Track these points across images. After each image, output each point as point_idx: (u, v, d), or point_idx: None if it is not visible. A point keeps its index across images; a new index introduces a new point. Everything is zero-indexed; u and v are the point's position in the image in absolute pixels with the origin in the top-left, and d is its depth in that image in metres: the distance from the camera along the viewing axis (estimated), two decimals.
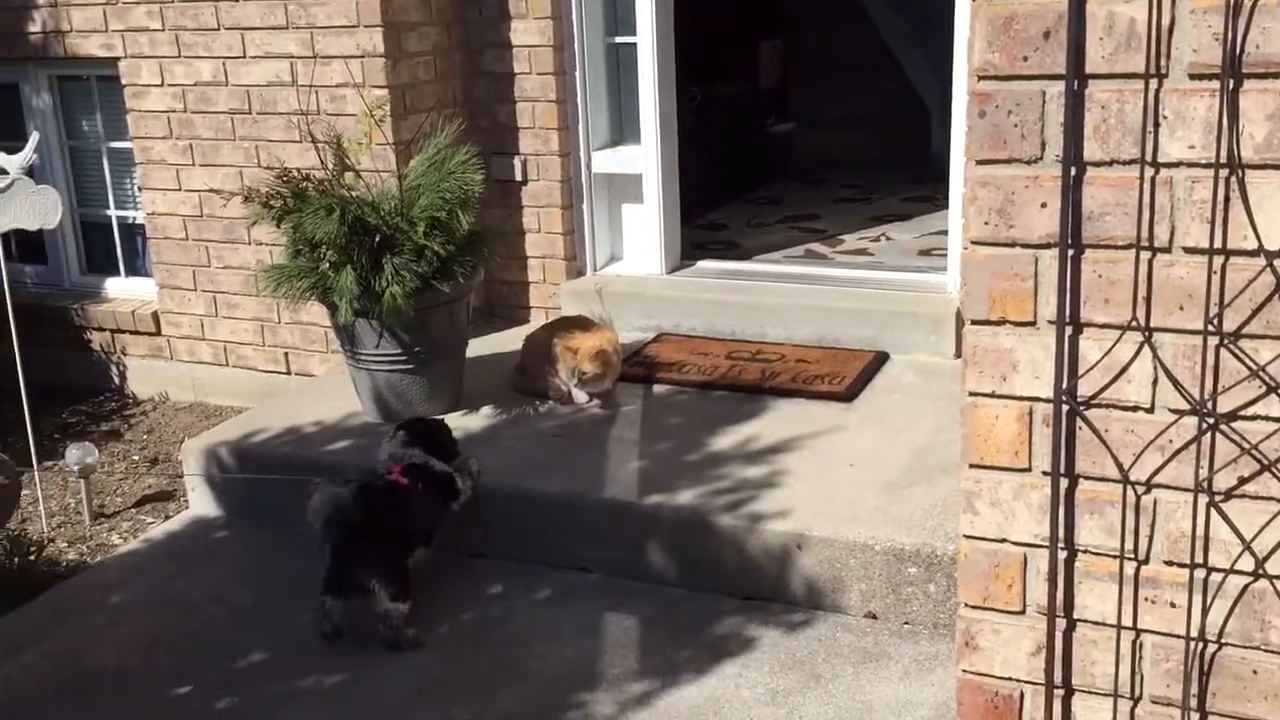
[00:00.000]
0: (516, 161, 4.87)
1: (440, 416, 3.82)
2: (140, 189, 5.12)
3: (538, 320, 4.97)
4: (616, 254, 5.11)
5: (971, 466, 1.85)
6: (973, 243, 1.74)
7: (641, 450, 3.73)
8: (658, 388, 4.24)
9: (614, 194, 5.03)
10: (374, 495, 3.22)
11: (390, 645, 3.11)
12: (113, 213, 5.48)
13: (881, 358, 4.35)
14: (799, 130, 7.40)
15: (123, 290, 5.49)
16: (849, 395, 4.04)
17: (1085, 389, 1.75)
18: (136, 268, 5.50)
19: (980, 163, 1.71)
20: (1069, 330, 1.73)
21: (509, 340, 4.64)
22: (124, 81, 4.96)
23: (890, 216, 6.08)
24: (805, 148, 7.42)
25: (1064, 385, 1.72)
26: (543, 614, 3.26)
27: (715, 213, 6.27)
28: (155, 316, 5.23)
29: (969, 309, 1.78)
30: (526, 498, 3.52)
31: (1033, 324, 1.75)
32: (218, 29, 4.68)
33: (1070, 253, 1.71)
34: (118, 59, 4.94)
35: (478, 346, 4.48)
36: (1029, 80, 1.67)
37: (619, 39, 4.88)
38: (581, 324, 4.23)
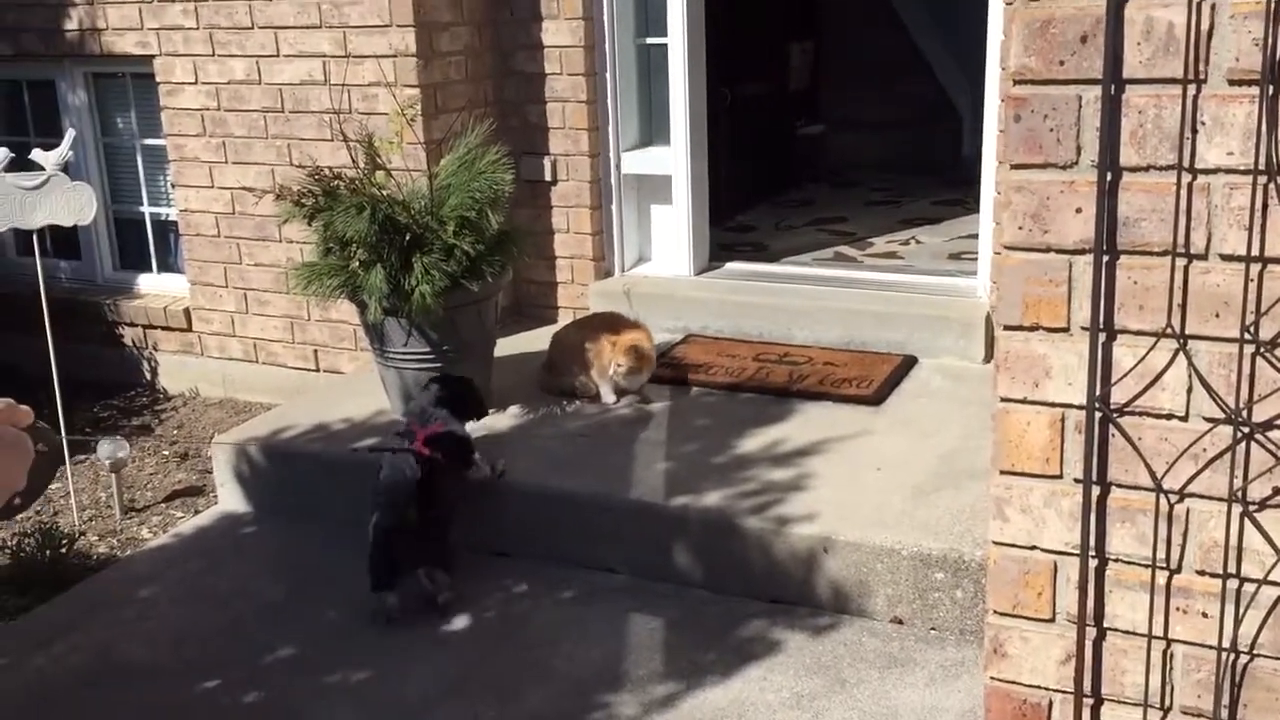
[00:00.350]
0: (546, 162, 4.88)
1: (469, 377, 3.85)
2: (173, 186, 5.16)
3: (565, 320, 4.98)
4: (645, 255, 5.11)
5: (1002, 473, 1.84)
6: (1006, 247, 1.73)
7: (668, 451, 3.73)
8: (686, 389, 4.23)
9: (643, 195, 5.03)
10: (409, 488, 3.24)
11: (428, 603, 3.25)
12: (146, 209, 5.53)
13: (910, 361, 4.33)
14: (829, 132, 7.38)
15: (155, 286, 5.54)
16: (877, 399, 4.02)
17: (1119, 396, 1.73)
18: (169, 264, 5.55)
19: (1015, 167, 1.70)
20: (1103, 337, 1.71)
21: (537, 340, 4.65)
22: (158, 79, 5.01)
23: (920, 220, 6.05)
24: (835, 150, 7.40)
25: (1097, 392, 1.71)
26: (568, 614, 3.26)
27: (744, 214, 6.26)
28: (187, 313, 5.27)
29: (1002, 314, 1.77)
30: (553, 497, 3.53)
31: (1066, 330, 1.73)
32: (251, 28, 4.71)
33: (1105, 258, 1.70)
34: (153, 57, 4.99)
35: (505, 346, 4.50)
36: (1066, 85, 1.66)
37: (650, 40, 4.88)
38: (611, 321, 4.23)
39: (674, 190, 4.91)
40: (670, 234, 5.00)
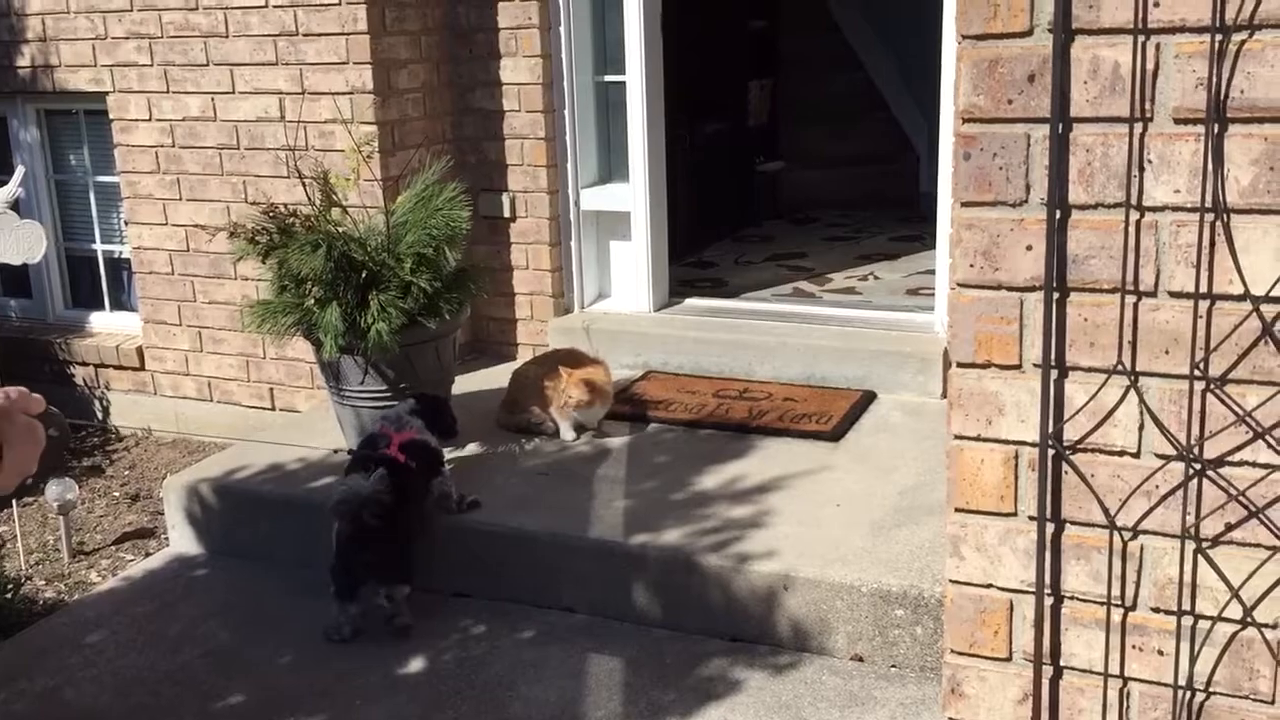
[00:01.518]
0: (505, 198, 4.87)
1: (446, 396, 3.95)
2: (127, 223, 5.10)
3: (525, 357, 4.95)
4: (604, 291, 5.10)
5: (957, 510, 1.84)
6: (958, 285, 1.74)
7: (628, 489, 3.70)
8: (645, 426, 4.22)
9: (602, 231, 5.03)
10: (373, 495, 3.23)
11: (388, 620, 3.29)
12: (98, 247, 5.47)
13: (869, 397, 4.34)
14: (788, 169, 7.44)
15: (107, 325, 5.46)
16: (836, 435, 4.02)
17: (1071, 433, 1.73)
18: (121, 302, 5.48)
19: (965, 205, 1.71)
20: (1055, 374, 1.72)
21: (496, 377, 4.62)
22: (112, 116, 4.96)
23: (878, 255, 6.09)
24: (794, 187, 7.45)
25: (1050, 429, 1.70)
26: (526, 655, 3.22)
27: (704, 250, 6.28)
28: (139, 351, 5.20)
29: (955, 351, 1.77)
30: (511, 536, 3.49)
31: (1018, 367, 1.74)
32: (206, 64, 4.69)
33: (1055, 296, 1.70)
34: (106, 93, 4.94)
35: (465, 383, 4.47)
36: (1014, 123, 1.67)
37: (609, 77, 4.90)
38: (571, 358, 4.21)
39: (633, 226, 4.91)
40: (630, 270, 5.00)
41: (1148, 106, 1.65)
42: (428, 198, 3.95)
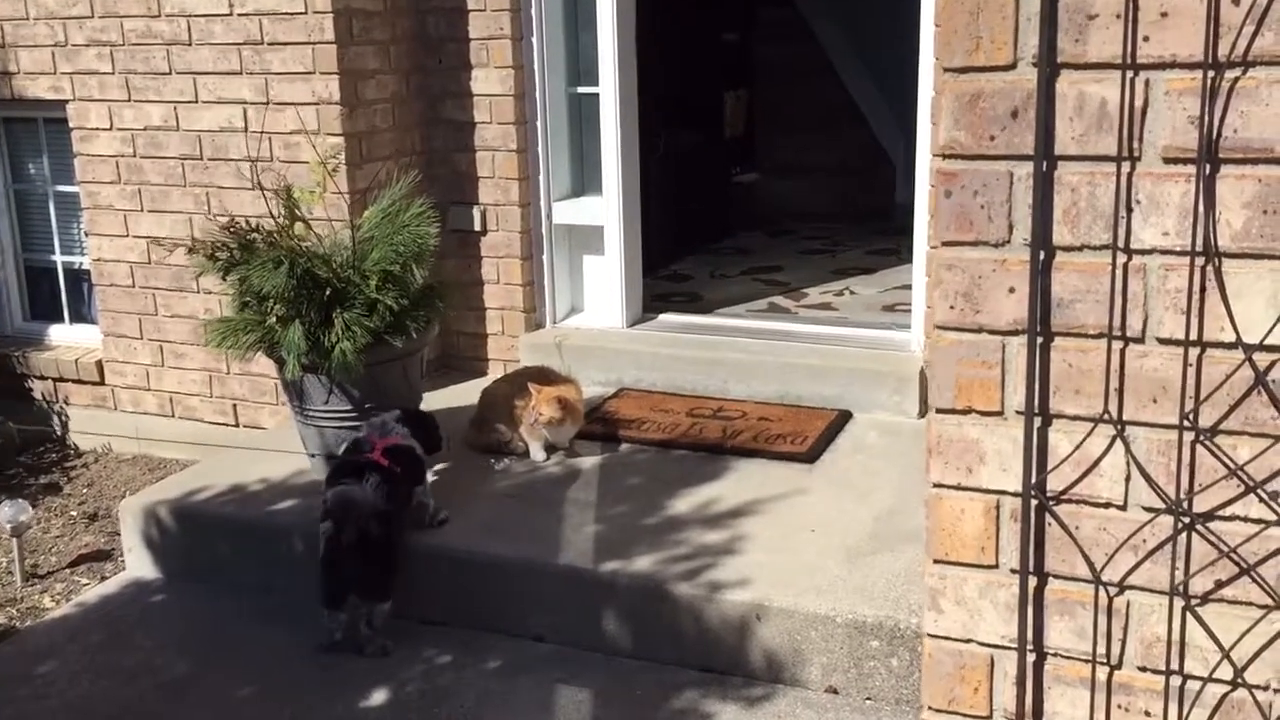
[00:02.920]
0: (476, 211, 4.78)
1: (429, 410, 3.90)
2: (87, 234, 4.98)
3: (496, 373, 4.87)
4: (577, 306, 5.02)
5: (936, 562, 1.76)
6: (938, 327, 1.66)
7: (599, 513, 3.62)
8: (618, 446, 4.13)
9: (575, 245, 4.95)
10: (373, 501, 3.21)
11: (364, 643, 3.23)
12: (58, 258, 5.33)
13: (845, 416, 4.28)
14: (763, 180, 7.37)
15: (67, 338, 5.33)
16: (811, 456, 3.95)
17: (1055, 484, 1.66)
18: (82, 314, 5.35)
19: (946, 244, 1.63)
20: (1038, 421, 1.64)
21: (465, 394, 4.53)
22: (72, 125, 4.84)
23: (854, 270, 6.03)
24: (770, 198, 7.39)
25: (1033, 479, 1.63)
26: (492, 685, 3.13)
27: (678, 263, 6.20)
28: (99, 365, 5.07)
29: (935, 396, 1.69)
30: (479, 563, 3.40)
31: (1000, 414, 1.66)
32: (169, 73, 4.57)
33: (1039, 341, 1.63)
34: (66, 101, 4.82)
35: (433, 400, 4.37)
36: (996, 160, 1.60)
37: (581, 89, 4.82)
38: (542, 376, 4.13)
39: (606, 241, 4.83)
40: (603, 285, 4.91)
41: (1136, 145, 1.58)
42: (395, 213, 3.86)
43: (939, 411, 1.68)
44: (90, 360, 5.10)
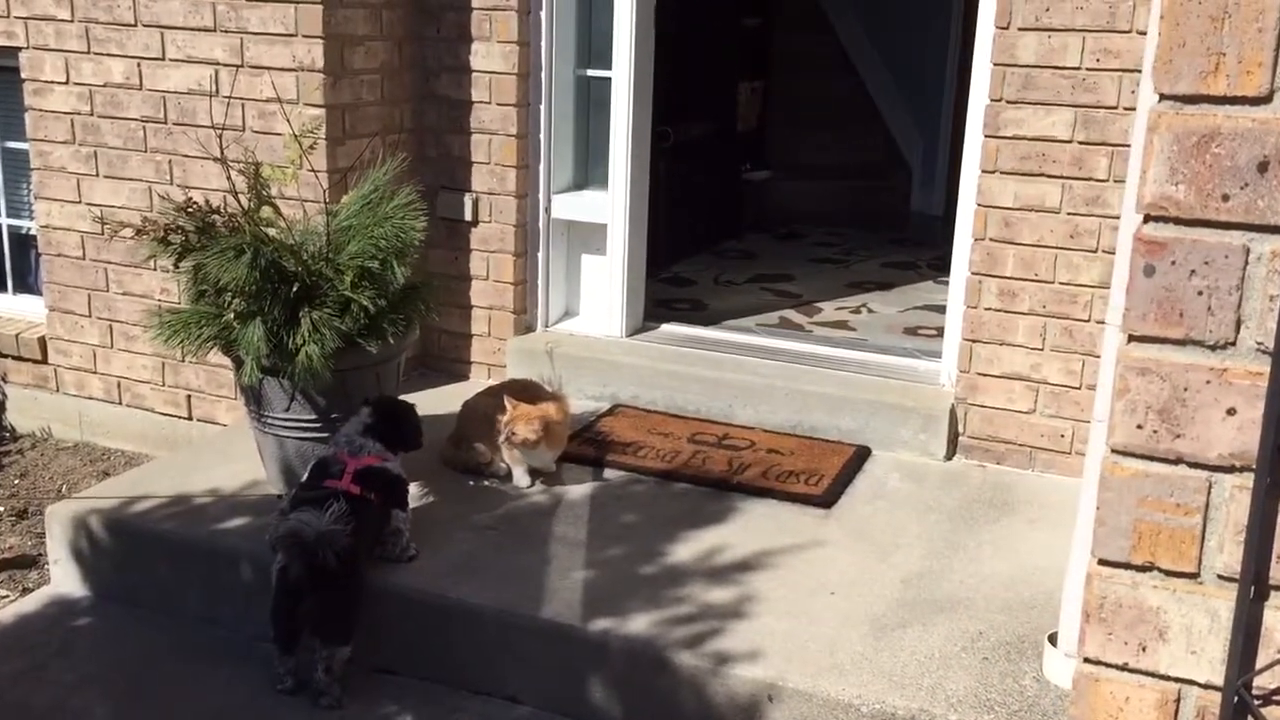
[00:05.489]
0: (467, 199, 4.32)
1: (410, 401, 3.42)
2: (35, 198, 4.49)
3: (479, 377, 4.44)
4: (572, 310, 4.58)
5: None
6: (1116, 451, 1.23)
7: (589, 556, 3.20)
8: (611, 473, 3.71)
9: (574, 243, 4.50)
10: (329, 533, 2.76)
11: (319, 691, 2.86)
12: (3, 220, 4.84)
13: (863, 453, 3.87)
14: (774, 179, 6.94)
15: (9, 308, 4.85)
16: (827, 500, 3.54)
17: (1267, 680, 1.23)
18: (28, 284, 4.87)
19: (1140, 339, 1.20)
20: (1252, 593, 1.20)
21: (445, 399, 4.09)
22: (24, 76, 4.35)
23: (871, 284, 5.61)
24: (780, 198, 6.95)
25: (1238, 671, 1.21)
26: None
27: (681, 264, 5.77)
28: (42, 342, 4.60)
29: (1101, 542, 1.26)
30: (449, 608, 2.97)
31: (1195, 577, 1.23)
32: (134, 25, 4.09)
33: (1267, 483, 1.18)
34: (18, 49, 4.33)
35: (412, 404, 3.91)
36: (1228, 230, 1.16)
37: (592, 72, 4.37)
38: (528, 390, 3.70)
39: (609, 240, 4.39)
40: (602, 288, 4.48)
41: None
42: (377, 201, 3.41)
43: (1103, 564, 1.25)
44: (33, 336, 4.62)
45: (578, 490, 3.59)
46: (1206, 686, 1.24)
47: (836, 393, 4.01)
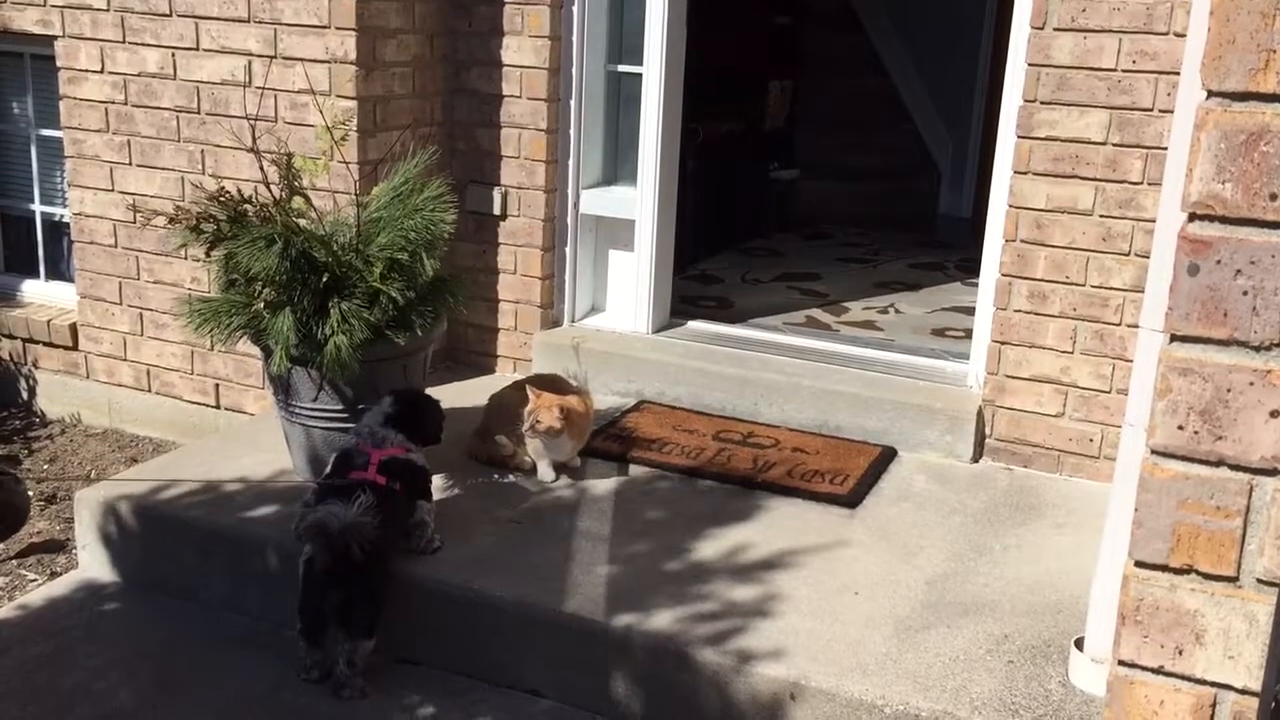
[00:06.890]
0: (496, 193, 4.33)
1: (432, 394, 3.40)
2: (69, 185, 4.53)
3: (505, 371, 4.44)
4: (599, 305, 4.58)
5: None
6: (1156, 453, 1.21)
7: (613, 551, 3.19)
8: (635, 469, 3.71)
9: (601, 238, 4.50)
10: (358, 523, 2.75)
11: (341, 683, 2.85)
12: (37, 208, 4.89)
13: (889, 454, 3.85)
14: (802, 178, 6.92)
15: (41, 295, 4.89)
16: (852, 500, 3.53)
17: None
18: (60, 271, 4.92)
19: (1182, 339, 1.19)
20: None
21: (471, 392, 4.10)
22: (60, 64, 4.39)
23: (898, 284, 5.59)
24: (807, 197, 6.94)
25: (1276, 677, 1.20)
26: None
27: (708, 261, 5.77)
28: (73, 329, 4.64)
29: (1138, 544, 1.25)
30: (472, 600, 2.98)
31: (1234, 580, 1.22)
32: (169, 14, 4.12)
33: None
34: (55, 38, 4.37)
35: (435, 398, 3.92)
36: (1275, 229, 1.14)
37: (623, 67, 4.37)
38: (555, 384, 3.71)
39: (637, 237, 4.39)
40: (629, 285, 4.48)
41: None
42: (407, 193, 3.42)
43: (1140, 566, 1.24)
44: (64, 323, 4.66)
45: (602, 485, 3.59)
46: (1243, 692, 1.22)
47: (863, 393, 4.00)
